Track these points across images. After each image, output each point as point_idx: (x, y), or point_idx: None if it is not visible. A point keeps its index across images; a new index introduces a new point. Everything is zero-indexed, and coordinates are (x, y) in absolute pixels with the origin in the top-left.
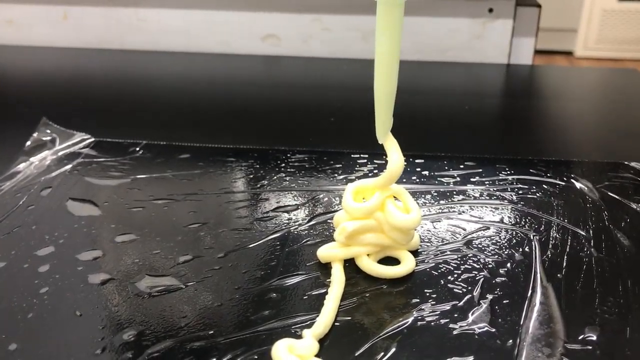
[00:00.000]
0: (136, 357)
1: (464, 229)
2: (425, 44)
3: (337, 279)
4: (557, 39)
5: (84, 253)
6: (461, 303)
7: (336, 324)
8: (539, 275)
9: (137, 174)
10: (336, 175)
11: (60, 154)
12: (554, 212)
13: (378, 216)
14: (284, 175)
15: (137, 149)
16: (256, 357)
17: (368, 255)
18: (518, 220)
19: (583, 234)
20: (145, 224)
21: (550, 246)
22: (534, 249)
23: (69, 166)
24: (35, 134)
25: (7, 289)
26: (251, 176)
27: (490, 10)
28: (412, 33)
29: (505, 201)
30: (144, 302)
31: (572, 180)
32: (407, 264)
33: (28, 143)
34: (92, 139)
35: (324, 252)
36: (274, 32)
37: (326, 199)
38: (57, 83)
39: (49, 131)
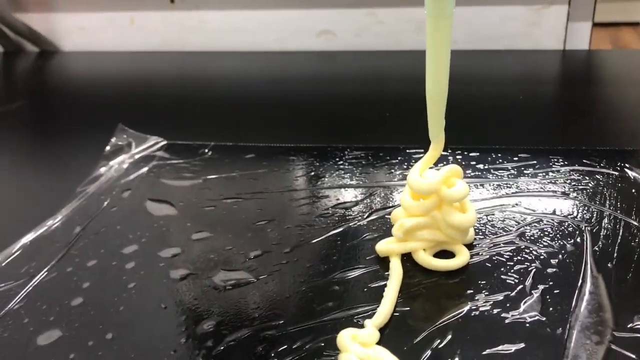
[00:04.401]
0: (216, 345)
1: (518, 222)
2: (479, 33)
3: (395, 272)
4: (621, 9)
5: (164, 250)
6: (513, 293)
7: (395, 314)
8: (589, 265)
9: (208, 175)
10: (393, 170)
11: (136, 157)
12: (606, 202)
13: (434, 214)
14: (342, 172)
15: (206, 150)
16: (323, 344)
17: (424, 249)
18: (570, 211)
19: (635, 224)
20: (218, 222)
21: (602, 237)
22: (585, 239)
23: (145, 169)
24: (113, 139)
25: (99, 284)
26: (312, 174)
27: None
28: (466, 23)
29: (558, 192)
30: (220, 295)
31: (626, 170)
32: (462, 258)
33: (107, 148)
34: (165, 142)
35: (382, 247)
36: (328, 28)
37: (383, 194)
38: (128, 87)
39: (125, 136)
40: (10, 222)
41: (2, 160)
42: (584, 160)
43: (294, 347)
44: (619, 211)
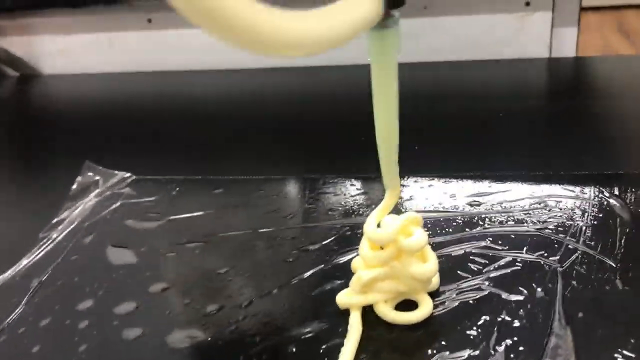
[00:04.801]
0: None
1: (487, 262)
2: (461, 43)
3: (353, 329)
4: None
5: (120, 306)
6: (476, 352)
7: None
8: (557, 315)
9: (173, 215)
10: (367, 204)
11: (103, 195)
12: (580, 237)
13: (394, 264)
14: (312, 208)
15: (174, 185)
16: None
17: (386, 301)
18: (543, 249)
19: (610, 263)
20: (177, 272)
21: (574, 278)
22: (556, 283)
23: (110, 209)
24: (79, 178)
25: (50, 348)
26: (280, 209)
27: (527, 3)
28: (448, 33)
29: (532, 228)
30: (174, 357)
31: (606, 198)
32: (424, 310)
33: (74, 187)
34: (133, 177)
35: (342, 300)
36: None
37: (353, 234)
38: (104, 113)
39: (91, 173)
40: None
41: None
42: (563, 187)
43: None
44: (594, 248)
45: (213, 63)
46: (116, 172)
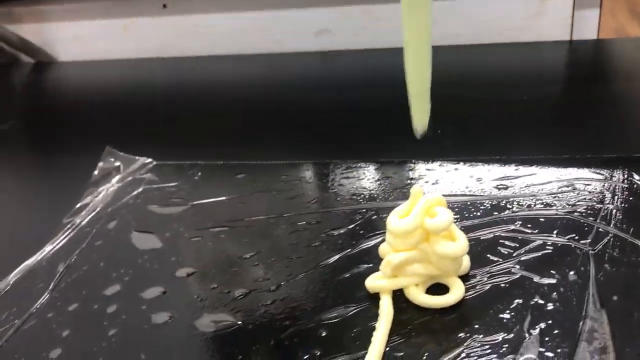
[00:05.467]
0: None
1: (517, 247)
2: (481, 26)
3: (384, 313)
4: None
5: (147, 291)
6: (510, 335)
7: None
8: (592, 298)
9: (196, 200)
10: (392, 189)
11: (125, 181)
12: (612, 220)
13: (423, 246)
14: (335, 193)
15: (196, 171)
16: None
17: (417, 285)
18: (574, 232)
19: None
20: (203, 256)
21: (607, 262)
22: (589, 266)
23: (132, 194)
24: (100, 164)
25: (79, 332)
26: (304, 195)
27: None
28: (467, 16)
29: (562, 211)
30: (203, 342)
31: (636, 180)
32: (456, 293)
33: (95, 173)
34: (153, 163)
35: (371, 284)
36: (326, 27)
37: (379, 218)
38: (121, 99)
39: (113, 159)
40: None
41: None
42: (591, 170)
43: None
44: (625, 231)
45: (228, 48)
46: (137, 157)
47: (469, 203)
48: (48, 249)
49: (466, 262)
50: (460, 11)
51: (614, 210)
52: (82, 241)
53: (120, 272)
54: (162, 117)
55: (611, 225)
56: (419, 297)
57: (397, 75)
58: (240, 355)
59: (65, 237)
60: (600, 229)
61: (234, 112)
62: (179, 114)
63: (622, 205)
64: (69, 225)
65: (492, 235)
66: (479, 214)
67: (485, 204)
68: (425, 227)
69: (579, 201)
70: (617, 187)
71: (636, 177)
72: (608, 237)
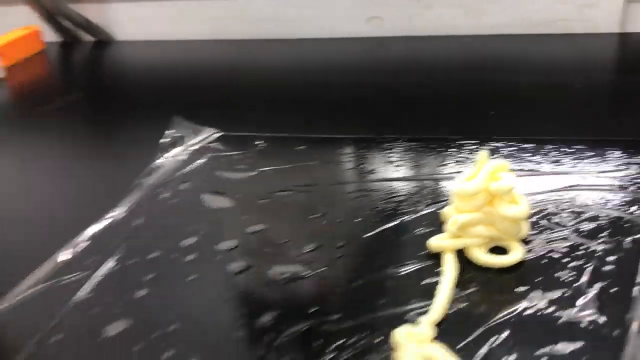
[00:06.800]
0: (275, 339)
1: (574, 217)
2: (531, 17)
3: (449, 268)
4: None
5: (222, 243)
6: (569, 291)
7: (450, 311)
8: None
9: (262, 167)
10: (445, 162)
11: (192, 149)
12: None
13: (487, 209)
14: (393, 164)
15: (260, 142)
16: (377, 340)
17: (478, 246)
18: (628, 206)
19: None
20: (272, 215)
21: None
22: None
23: (201, 161)
24: (169, 131)
25: (162, 277)
26: (362, 166)
27: None
28: (517, 6)
29: (616, 186)
30: (276, 289)
31: None
32: (516, 254)
33: (164, 140)
34: (219, 133)
35: (435, 243)
36: (377, 14)
37: (435, 187)
38: (179, 76)
39: (180, 128)
40: (73, 214)
41: (63, 153)
42: None
43: (349, 342)
44: None
45: (276, 32)
46: (203, 127)
47: (530, 177)
48: (124, 205)
49: (525, 227)
50: (515, 2)
51: None
52: (156, 200)
53: (194, 227)
54: (222, 95)
55: None
56: (481, 256)
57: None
58: (310, 302)
59: (140, 195)
60: None
61: (287, 91)
62: (236, 92)
63: None
64: (141, 186)
65: (550, 205)
66: (539, 187)
67: (543, 179)
68: (490, 190)
69: (635, 178)
70: None
71: None
72: None
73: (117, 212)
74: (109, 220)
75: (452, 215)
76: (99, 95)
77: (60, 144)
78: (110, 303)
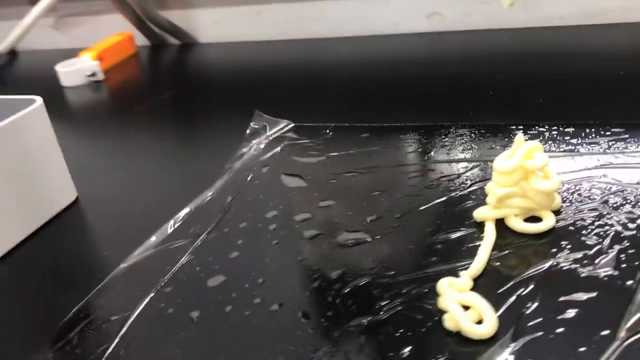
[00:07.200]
0: (341, 289)
1: (603, 191)
2: (586, 7)
3: (489, 234)
4: None
5: (298, 215)
6: (591, 252)
7: (488, 267)
8: None
9: (330, 152)
10: (493, 146)
11: (271, 138)
12: None
13: (523, 184)
14: (446, 148)
15: (328, 131)
16: (426, 290)
17: (516, 215)
18: None
19: None
20: (339, 192)
21: None
22: None
23: (278, 148)
24: (251, 124)
25: (250, 241)
26: (419, 150)
27: None
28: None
29: None
30: (343, 251)
31: None
32: (548, 222)
33: (247, 131)
34: (293, 124)
35: (479, 213)
36: (437, 10)
37: (483, 168)
38: (258, 74)
39: (260, 120)
40: (174, 194)
41: (160, 143)
42: None
43: (402, 292)
44: None
45: (350, 31)
46: (279, 119)
47: (567, 157)
48: (217, 186)
49: (558, 199)
50: None
51: None
52: (243, 181)
53: (275, 202)
54: (296, 90)
55: None
56: (517, 224)
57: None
58: (372, 263)
59: (229, 177)
60: None
61: (354, 85)
62: (307, 87)
63: None
64: (230, 170)
65: (582, 182)
66: (575, 166)
67: (579, 159)
68: (525, 167)
69: None
70: None
71: None
72: None
73: (212, 192)
74: (207, 198)
75: (493, 189)
76: (186, 92)
77: (157, 136)
78: (210, 262)
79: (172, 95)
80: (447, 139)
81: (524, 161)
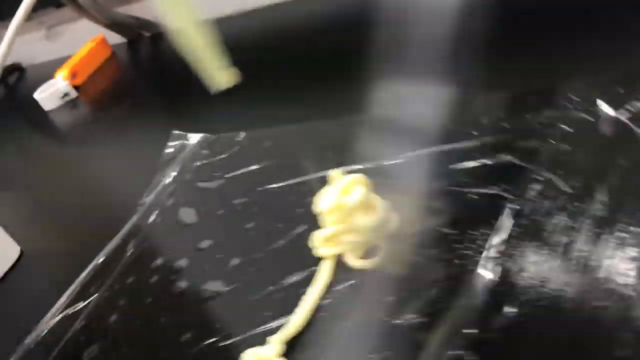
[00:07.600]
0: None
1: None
2: None
3: (321, 278)
4: None
5: (178, 262)
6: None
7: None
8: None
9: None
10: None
11: (185, 159)
12: None
13: (352, 219)
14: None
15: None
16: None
17: (354, 250)
18: None
19: None
20: (222, 229)
21: None
22: None
23: (187, 173)
24: (168, 144)
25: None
26: None
27: None
28: None
29: None
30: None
31: None
32: (378, 257)
33: (164, 153)
34: (208, 136)
35: (317, 252)
36: None
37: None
38: None
39: (178, 139)
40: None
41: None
42: None
43: None
44: None
45: None
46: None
47: None
48: (124, 230)
49: (394, 223)
50: None
51: None
52: (147, 220)
53: (166, 247)
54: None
55: None
56: (352, 262)
57: None
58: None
59: (138, 218)
60: None
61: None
62: None
63: None
64: (141, 206)
65: None
66: None
67: None
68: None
69: None
70: None
71: None
72: None
73: (117, 241)
74: (112, 247)
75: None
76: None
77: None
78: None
79: (129, 105)
80: None
81: (341, 198)
